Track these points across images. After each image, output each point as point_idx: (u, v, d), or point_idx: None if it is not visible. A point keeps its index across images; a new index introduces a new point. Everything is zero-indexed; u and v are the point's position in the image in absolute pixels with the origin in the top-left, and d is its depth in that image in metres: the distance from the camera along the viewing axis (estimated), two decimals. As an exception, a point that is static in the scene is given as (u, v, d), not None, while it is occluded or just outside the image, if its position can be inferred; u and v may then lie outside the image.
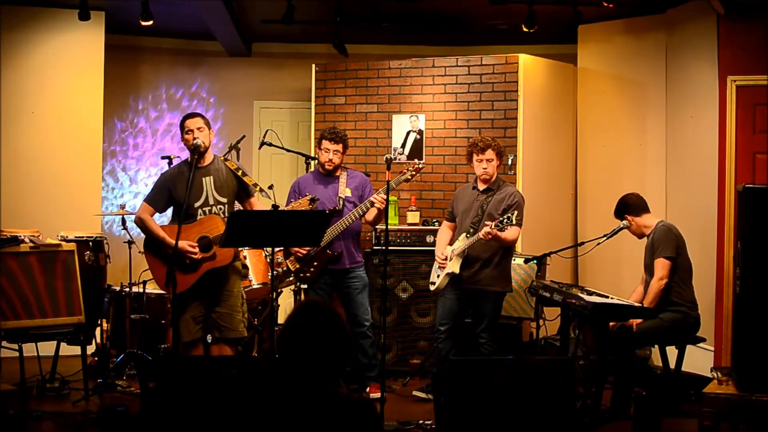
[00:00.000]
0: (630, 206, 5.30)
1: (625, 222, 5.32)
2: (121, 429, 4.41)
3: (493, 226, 4.93)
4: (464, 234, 5.24)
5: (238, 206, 4.92)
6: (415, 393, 5.51)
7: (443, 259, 5.31)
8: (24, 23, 6.61)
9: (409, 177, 5.25)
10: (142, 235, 4.81)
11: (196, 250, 4.61)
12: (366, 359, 5.45)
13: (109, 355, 5.81)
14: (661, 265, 5.05)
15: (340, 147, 5.40)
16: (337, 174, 5.47)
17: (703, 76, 6.12)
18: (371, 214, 5.30)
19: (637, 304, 4.84)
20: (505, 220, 4.93)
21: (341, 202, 5.38)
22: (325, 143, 5.40)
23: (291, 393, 2.39)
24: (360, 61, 7.05)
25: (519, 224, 5.08)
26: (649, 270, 5.16)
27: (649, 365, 5.83)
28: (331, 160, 5.39)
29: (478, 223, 5.21)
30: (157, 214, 4.82)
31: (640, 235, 5.29)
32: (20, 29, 6.60)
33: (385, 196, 5.10)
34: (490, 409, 3.41)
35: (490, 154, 5.23)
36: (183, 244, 4.56)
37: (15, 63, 6.60)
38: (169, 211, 4.93)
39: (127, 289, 5.73)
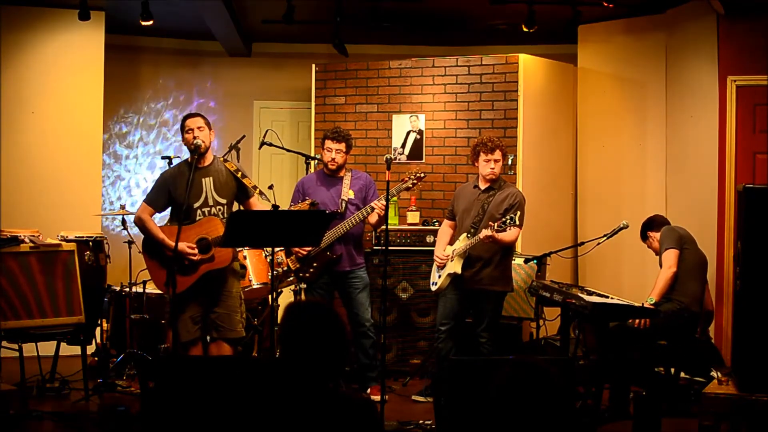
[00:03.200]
0: (654, 222, 5.48)
1: (623, 222, 5.36)
2: (121, 429, 4.41)
3: (495, 227, 4.93)
4: (465, 234, 5.23)
5: (236, 207, 4.91)
6: (414, 398, 5.48)
7: (443, 259, 5.31)
8: (24, 23, 6.61)
9: (410, 185, 5.26)
10: (142, 235, 4.81)
11: (195, 251, 4.61)
12: (367, 359, 5.44)
13: (109, 355, 5.81)
14: (668, 256, 5.11)
15: (342, 146, 5.39)
16: (341, 175, 5.46)
17: (703, 76, 6.12)
18: (373, 218, 5.29)
19: (636, 304, 4.84)
20: (508, 221, 4.93)
21: (344, 205, 5.37)
22: (328, 143, 5.40)
23: (291, 392, 2.39)
24: (360, 61, 7.04)
25: (520, 225, 5.08)
26: None
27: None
28: (333, 160, 5.39)
29: (479, 222, 5.20)
30: (156, 214, 4.82)
31: None
32: (20, 29, 6.60)
33: (385, 203, 5.11)
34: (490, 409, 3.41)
35: (498, 154, 5.22)
36: (182, 245, 4.55)
37: (15, 63, 6.60)
38: (167, 211, 4.92)
39: (127, 289, 5.73)
